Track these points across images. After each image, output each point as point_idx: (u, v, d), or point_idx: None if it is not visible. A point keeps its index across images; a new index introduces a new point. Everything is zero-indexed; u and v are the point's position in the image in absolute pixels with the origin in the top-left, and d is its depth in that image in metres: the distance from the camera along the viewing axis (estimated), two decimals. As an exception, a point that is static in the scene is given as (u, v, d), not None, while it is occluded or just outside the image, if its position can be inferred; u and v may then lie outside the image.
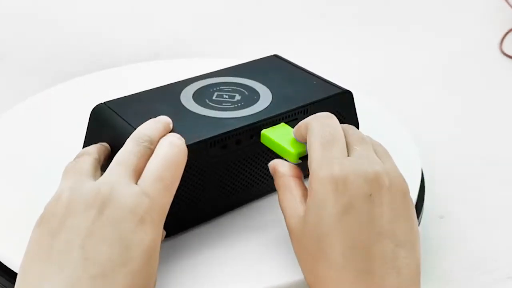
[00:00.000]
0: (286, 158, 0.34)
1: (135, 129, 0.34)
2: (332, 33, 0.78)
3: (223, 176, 0.35)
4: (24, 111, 0.48)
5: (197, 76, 0.41)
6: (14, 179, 0.40)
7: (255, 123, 0.35)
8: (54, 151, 0.43)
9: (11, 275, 0.34)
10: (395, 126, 0.47)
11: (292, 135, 0.35)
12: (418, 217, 0.40)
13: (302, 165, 0.38)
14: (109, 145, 0.35)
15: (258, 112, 0.36)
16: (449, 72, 0.70)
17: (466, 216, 0.48)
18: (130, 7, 0.77)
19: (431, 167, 0.51)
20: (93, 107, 0.37)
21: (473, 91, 0.67)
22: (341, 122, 0.39)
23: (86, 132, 0.36)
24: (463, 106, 0.64)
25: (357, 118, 0.40)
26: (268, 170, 0.37)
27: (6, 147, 0.44)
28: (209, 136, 0.34)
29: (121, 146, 0.34)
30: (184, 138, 0.33)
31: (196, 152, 0.33)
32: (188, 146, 0.32)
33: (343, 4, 0.82)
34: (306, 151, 0.34)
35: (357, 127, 0.40)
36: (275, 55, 0.44)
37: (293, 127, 0.36)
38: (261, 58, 0.44)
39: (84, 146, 0.37)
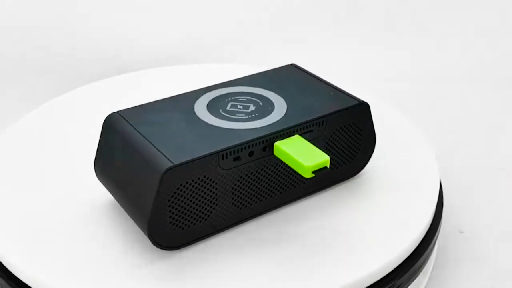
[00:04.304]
0: (299, 172, 0.33)
1: (146, 139, 0.34)
2: (353, 38, 0.77)
3: (235, 188, 0.34)
4: (43, 115, 0.48)
5: (213, 86, 0.40)
6: (29, 184, 0.40)
7: (268, 135, 0.34)
8: (71, 157, 0.43)
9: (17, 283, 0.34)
10: (412, 133, 0.46)
11: (306, 148, 0.34)
12: (435, 231, 0.39)
13: (316, 178, 0.38)
14: (121, 155, 0.34)
15: (272, 124, 0.36)
16: (471, 77, 0.69)
17: (488, 231, 0.46)
18: (150, 12, 0.77)
19: (450, 178, 0.50)
20: (109, 113, 0.37)
21: (496, 97, 0.65)
22: (358, 134, 0.38)
23: (99, 142, 0.36)
24: (484, 113, 0.63)
25: (374, 130, 0.39)
26: (281, 182, 0.36)
27: (24, 151, 0.44)
28: (221, 148, 0.33)
29: (133, 156, 0.34)
30: (196, 149, 0.33)
31: (208, 164, 0.33)
32: (200, 157, 0.32)
33: (361, 10, 0.80)
34: (320, 164, 0.33)
35: (374, 139, 0.40)
36: (292, 64, 0.43)
37: (307, 139, 0.36)
38: (278, 68, 0.43)
39: (96, 156, 0.36)
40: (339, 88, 0.40)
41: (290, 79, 0.41)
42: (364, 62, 0.71)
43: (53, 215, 0.37)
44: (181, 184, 0.32)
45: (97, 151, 0.37)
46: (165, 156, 0.32)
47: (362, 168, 0.40)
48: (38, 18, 0.73)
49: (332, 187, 0.40)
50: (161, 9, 0.76)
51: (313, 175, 0.33)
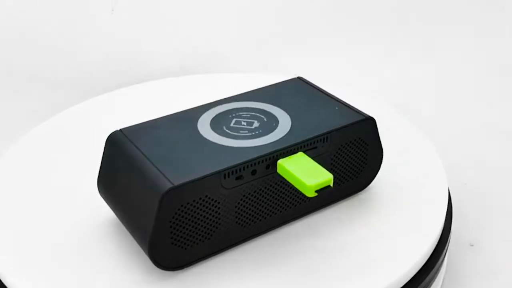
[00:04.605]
0: (302, 191, 0.33)
1: (148, 159, 0.33)
2: (366, 47, 0.76)
3: (238, 207, 0.34)
4: (51, 128, 0.49)
5: (217, 101, 0.40)
6: (30, 200, 0.40)
7: (271, 153, 0.34)
8: (75, 171, 0.43)
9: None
10: (420, 143, 0.46)
11: (310, 166, 0.34)
12: (445, 244, 0.39)
13: (319, 197, 0.37)
14: (123, 175, 0.34)
15: (275, 141, 0.35)
16: (482, 83, 0.68)
17: (499, 245, 0.45)
18: (161, 22, 0.77)
19: (460, 189, 0.49)
20: (114, 129, 0.37)
21: (506, 103, 0.64)
22: (364, 149, 0.38)
23: (102, 160, 0.36)
24: (494, 122, 0.61)
25: (381, 145, 0.39)
26: (285, 200, 0.36)
27: (30, 164, 0.44)
28: (223, 167, 0.33)
29: (134, 176, 0.33)
30: (198, 169, 0.32)
31: (210, 184, 0.32)
32: (201, 178, 0.32)
33: (362, 15, 0.79)
34: (323, 183, 0.33)
35: (381, 153, 0.39)
36: (299, 78, 0.43)
37: (311, 156, 0.35)
38: (283, 81, 0.43)
39: (99, 174, 0.36)
40: (345, 103, 0.39)
41: (296, 93, 0.41)
42: (367, 69, 0.70)
43: (54, 230, 0.37)
44: (182, 205, 0.32)
45: (100, 169, 0.36)
46: (165, 176, 0.32)
47: (369, 182, 0.40)
48: (48, 29, 0.73)
49: (339, 202, 0.39)
50: (172, 23, 0.76)
51: (316, 194, 0.33)
